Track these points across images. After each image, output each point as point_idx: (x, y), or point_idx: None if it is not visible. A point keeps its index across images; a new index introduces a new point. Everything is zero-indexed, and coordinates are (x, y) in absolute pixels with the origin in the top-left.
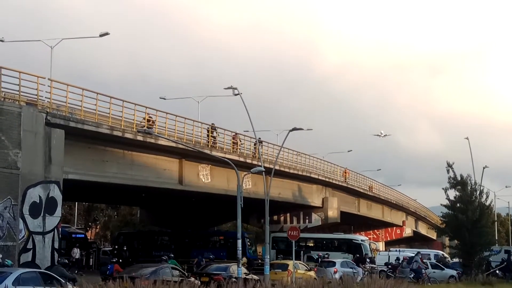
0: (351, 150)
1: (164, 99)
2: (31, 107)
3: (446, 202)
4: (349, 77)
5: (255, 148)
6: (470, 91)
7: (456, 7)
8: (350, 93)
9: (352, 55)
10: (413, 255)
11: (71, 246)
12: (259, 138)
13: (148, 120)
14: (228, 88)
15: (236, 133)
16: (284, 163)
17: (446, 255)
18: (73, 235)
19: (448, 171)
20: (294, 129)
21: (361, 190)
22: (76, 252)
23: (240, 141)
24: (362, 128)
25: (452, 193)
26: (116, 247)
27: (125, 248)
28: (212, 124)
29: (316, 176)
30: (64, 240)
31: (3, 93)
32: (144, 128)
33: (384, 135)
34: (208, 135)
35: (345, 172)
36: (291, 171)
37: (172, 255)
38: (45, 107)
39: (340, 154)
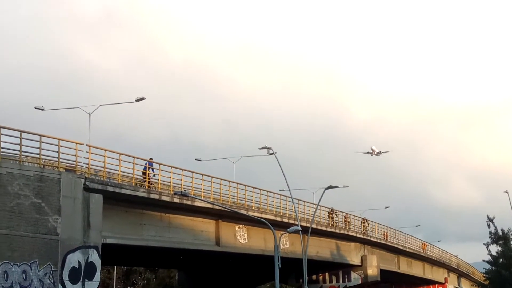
0: (388, 207)
1: (200, 160)
2: (70, 173)
3: (488, 257)
4: (378, 132)
5: (331, 217)
6: (504, 142)
7: (482, 60)
8: (381, 148)
9: (381, 110)
10: None
11: None
12: (332, 208)
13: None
14: (263, 148)
15: (346, 214)
16: (321, 221)
17: None
18: None
19: (488, 225)
20: (330, 187)
21: (401, 247)
22: None
23: (350, 220)
24: (397, 184)
25: (494, 248)
26: None
27: None
28: (332, 208)
29: (354, 234)
30: None
31: (43, 160)
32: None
33: (378, 153)
34: (329, 217)
35: (424, 245)
36: (329, 229)
37: None
38: (83, 173)
39: (378, 211)
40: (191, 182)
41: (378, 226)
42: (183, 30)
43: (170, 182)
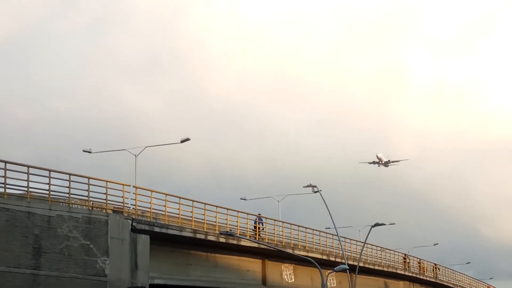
0: (437, 244)
1: (245, 199)
2: (117, 215)
3: None
4: (425, 168)
5: (405, 262)
6: None
7: None
8: (427, 184)
9: (427, 146)
10: None
11: None
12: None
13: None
14: (308, 186)
15: (420, 260)
16: (368, 259)
17: None
18: None
19: None
20: (377, 224)
21: (451, 285)
22: None
23: (425, 265)
24: (445, 220)
25: None
26: None
27: None
28: (405, 253)
29: (402, 272)
30: None
31: (91, 202)
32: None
33: (386, 162)
34: (404, 262)
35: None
36: (376, 267)
37: None
38: (130, 214)
39: (426, 248)
40: (237, 221)
41: (426, 263)
42: (223, 68)
43: (216, 222)
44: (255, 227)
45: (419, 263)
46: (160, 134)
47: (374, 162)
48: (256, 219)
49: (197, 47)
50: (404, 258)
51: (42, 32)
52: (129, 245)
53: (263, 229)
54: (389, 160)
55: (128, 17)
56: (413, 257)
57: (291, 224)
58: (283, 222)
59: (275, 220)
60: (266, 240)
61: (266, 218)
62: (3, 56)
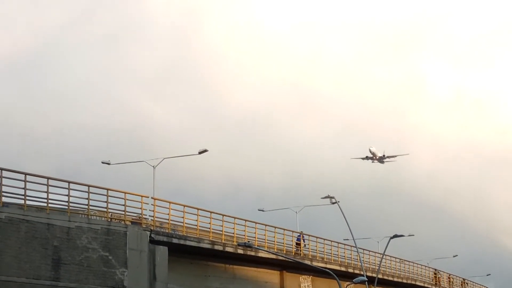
0: (456, 255)
1: (263, 211)
2: (136, 226)
3: None
4: (443, 178)
5: (435, 277)
6: None
7: None
8: (446, 194)
9: (445, 156)
10: None
11: None
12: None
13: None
14: (326, 197)
15: (449, 275)
16: (387, 271)
17: None
18: None
19: None
20: (395, 236)
21: None
22: None
23: (453, 280)
24: (464, 231)
25: None
26: None
27: None
28: (436, 269)
29: (421, 284)
30: None
31: (110, 213)
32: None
33: (381, 157)
34: (435, 277)
35: None
36: (395, 279)
37: None
38: (149, 225)
39: (446, 260)
40: (255, 233)
41: (446, 275)
42: (240, 79)
43: (234, 233)
44: (297, 243)
45: (449, 277)
46: (178, 146)
47: (367, 158)
48: (298, 236)
49: (214, 59)
50: (435, 274)
51: (59, 45)
52: (148, 257)
53: (305, 245)
54: (384, 155)
55: (145, 29)
56: (443, 272)
57: (309, 235)
58: (324, 239)
59: (317, 238)
60: (284, 252)
61: (309, 235)
62: (20, 69)
